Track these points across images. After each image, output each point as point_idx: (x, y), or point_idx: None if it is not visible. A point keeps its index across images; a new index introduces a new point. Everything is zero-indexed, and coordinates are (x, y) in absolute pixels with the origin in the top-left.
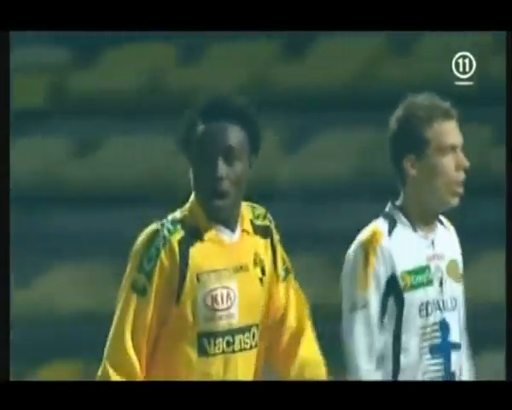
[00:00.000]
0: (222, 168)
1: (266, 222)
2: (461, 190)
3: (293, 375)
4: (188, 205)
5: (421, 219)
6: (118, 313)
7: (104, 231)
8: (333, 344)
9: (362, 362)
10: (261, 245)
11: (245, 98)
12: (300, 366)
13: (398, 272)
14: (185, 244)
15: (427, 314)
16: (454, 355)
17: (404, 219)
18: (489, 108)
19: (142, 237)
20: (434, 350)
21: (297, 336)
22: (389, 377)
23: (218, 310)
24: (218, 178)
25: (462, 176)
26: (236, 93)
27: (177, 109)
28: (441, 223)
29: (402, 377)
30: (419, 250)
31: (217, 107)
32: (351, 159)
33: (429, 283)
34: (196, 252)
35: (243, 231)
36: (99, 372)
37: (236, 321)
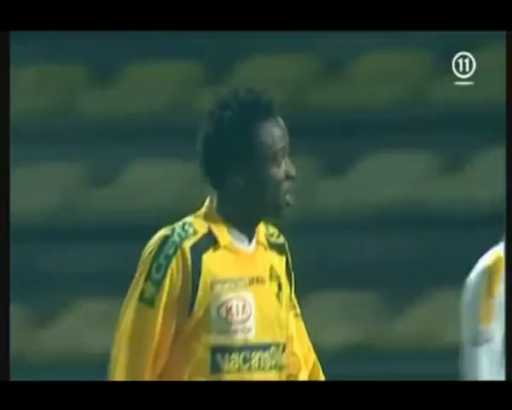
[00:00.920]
0: (291, 169)
1: (281, 240)
2: None
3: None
4: (203, 210)
5: None
6: (122, 327)
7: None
8: None
9: None
10: (277, 261)
11: (270, 94)
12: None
13: None
14: (198, 251)
15: None
16: None
17: None
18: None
19: (150, 243)
20: None
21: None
22: None
23: (233, 322)
24: (292, 177)
25: None
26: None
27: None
28: None
29: None
30: None
31: (257, 104)
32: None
33: None
34: (210, 259)
35: (259, 243)
36: None
37: (253, 336)
